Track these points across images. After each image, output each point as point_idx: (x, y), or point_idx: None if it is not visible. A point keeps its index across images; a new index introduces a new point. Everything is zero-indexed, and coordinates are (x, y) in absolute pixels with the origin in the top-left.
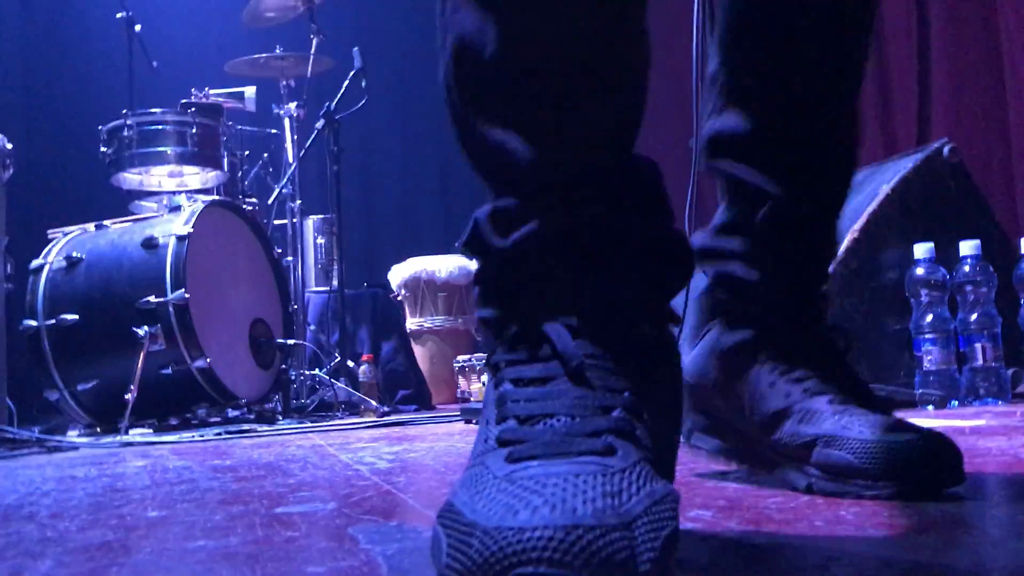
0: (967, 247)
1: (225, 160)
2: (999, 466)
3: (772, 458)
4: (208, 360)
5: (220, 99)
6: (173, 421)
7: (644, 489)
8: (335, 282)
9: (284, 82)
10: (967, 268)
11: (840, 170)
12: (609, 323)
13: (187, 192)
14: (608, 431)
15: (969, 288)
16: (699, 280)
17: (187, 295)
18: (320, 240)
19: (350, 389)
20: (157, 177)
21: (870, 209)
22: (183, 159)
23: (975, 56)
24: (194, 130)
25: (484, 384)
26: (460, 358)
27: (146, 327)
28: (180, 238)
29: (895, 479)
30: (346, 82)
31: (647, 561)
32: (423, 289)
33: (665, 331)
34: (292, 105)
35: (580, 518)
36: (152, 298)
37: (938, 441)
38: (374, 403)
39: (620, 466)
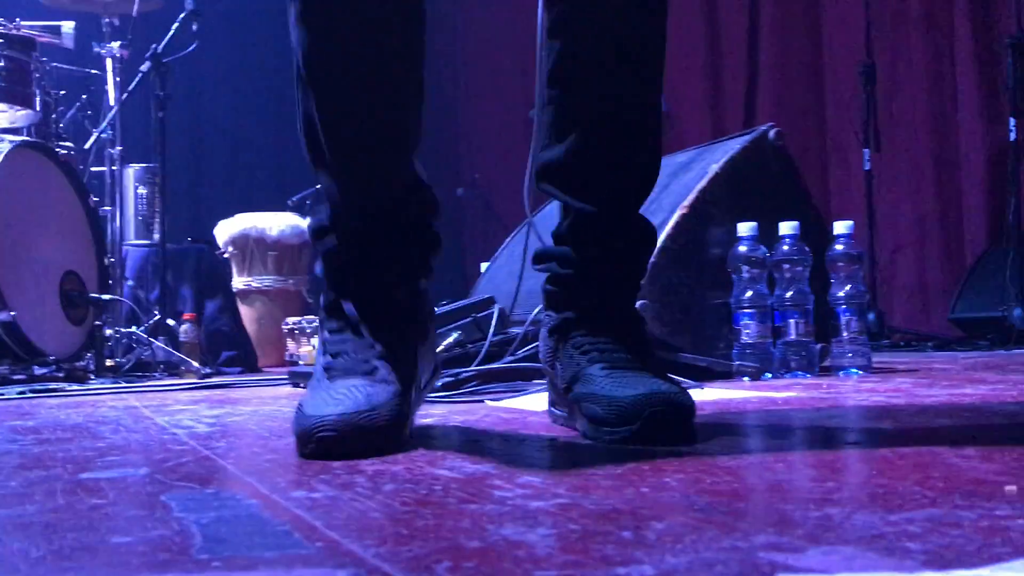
0: (786, 227)
1: (37, 99)
2: (809, 434)
3: (573, 414)
4: (12, 314)
5: (33, 32)
6: None
7: (387, 391)
8: (156, 236)
9: (107, 19)
10: (785, 247)
11: (637, 187)
12: (373, 299)
13: None
14: (374, 357)
15: (786, 266)
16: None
17: None
18: (141, 190)
19: (170, 349)
20: None
21: (699, 187)
22: None
23: (800, 55)
24: (1, 63)
25: (314, 347)
26: (290, 320)
27: None
28: None
29: (628, 427)
30: (176, 24)
31: (383, 425)
32: (252, 247)
33: (418, 297)
34: (115, 45)
35: (348, 407)
36: None
37: (667, 400)
38: (195, 364)
39: (379, 378)
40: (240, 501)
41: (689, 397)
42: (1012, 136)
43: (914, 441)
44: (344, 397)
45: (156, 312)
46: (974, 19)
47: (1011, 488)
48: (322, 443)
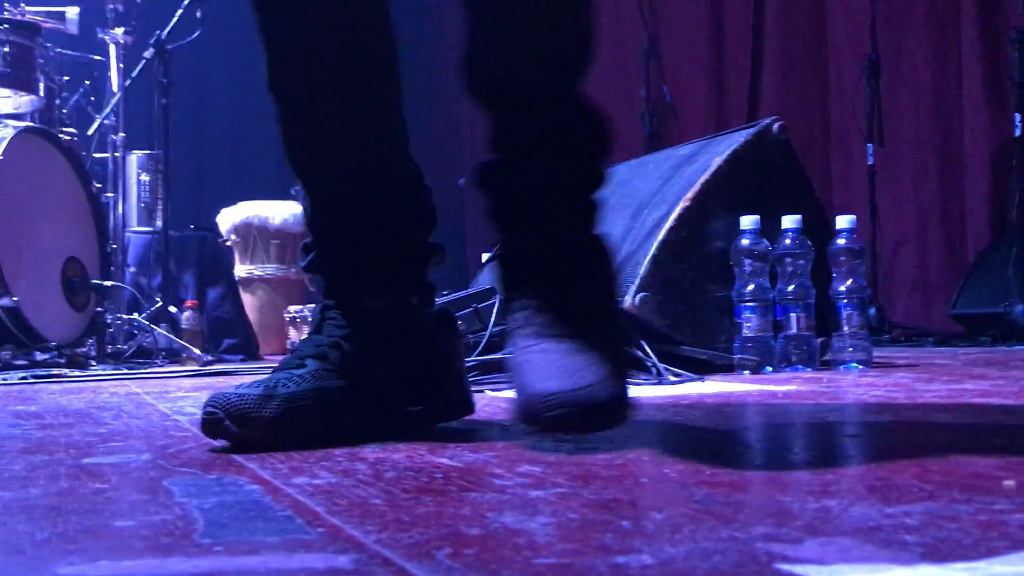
0: (789, 221)
1: (41, 84)
2: (809, 428)
3: None
4: (15, 299)
5: (38, 18)
6: None
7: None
8: (159, 223)
9: (111, 5)
10: (788, 241)
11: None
12: (346, 303)
13: None
14: (324, 346)
15: (788, 260)
16: None
17: None
18: (144, 177)
19: (171, 336)
20: None
21: (702, 180)
22: None
23: (804, 48)
24: (6, 48)
25: None
26: (291, 308)
27: None
28: None
29: (531, 427)
30: (180, 11)
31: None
32: (255, 235)
33: (393, 299)
34: (119, 31)
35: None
36: None
37: (570, 401)
38: (197, 351)
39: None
40: (242, 487)
41: (607, 388)
42: (1016, 131)
43: (913, 435)
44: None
45: (158, 299)
46: (980, 12)
47: (1009, 483)
48: None
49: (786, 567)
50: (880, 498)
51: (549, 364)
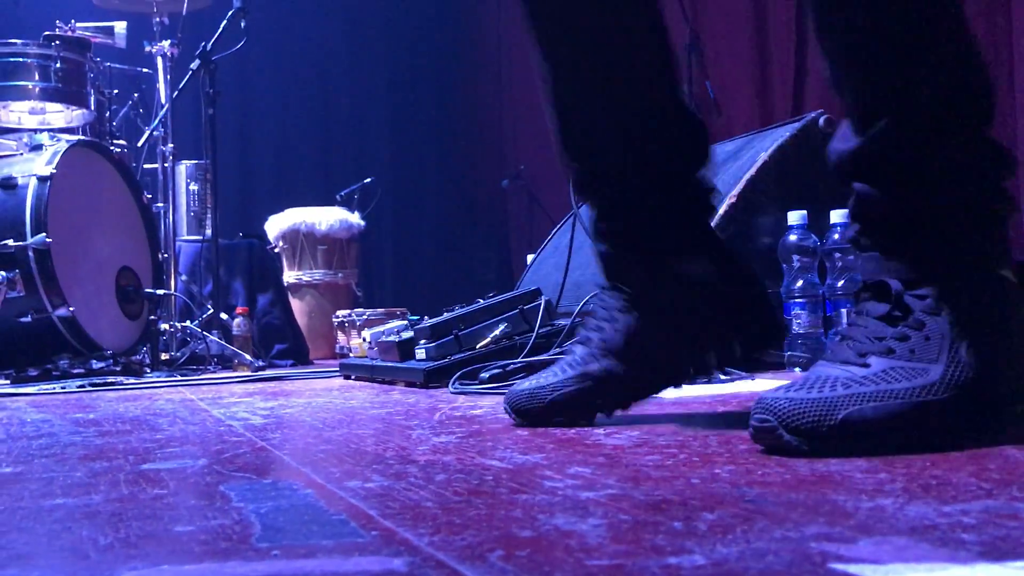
0: (837, 216)
1: (92, 98)
2: None
3: None
4: (71, 308)
5: (87, 33)
6: (32, 372)
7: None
8: (208, 231)
9: (157, 18)
10: (836, 236)
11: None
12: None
13: (50, 131)
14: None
15: (838, 255)
16: None
17: (49, 239)
18: (193, 187)
19: (223, 342)
20: (17, 113)
21: (747, 175)
22: (46, 95)
23: None
24: (58, 64)
25: (364, 340)
26: (339, 313)
27: (3, 272)
28: (42, 179)
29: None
30: (224, 22)
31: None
32: (302, 241)
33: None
34: (165, 43)
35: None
36: (11, 242)
37: (515, 400)
38: (248, 357)
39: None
40: (296, 491)
41: (556, 392)
42: None
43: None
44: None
45: (209, 306)
46: None
47: None
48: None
49: (840, 567)
50: (936, 496)
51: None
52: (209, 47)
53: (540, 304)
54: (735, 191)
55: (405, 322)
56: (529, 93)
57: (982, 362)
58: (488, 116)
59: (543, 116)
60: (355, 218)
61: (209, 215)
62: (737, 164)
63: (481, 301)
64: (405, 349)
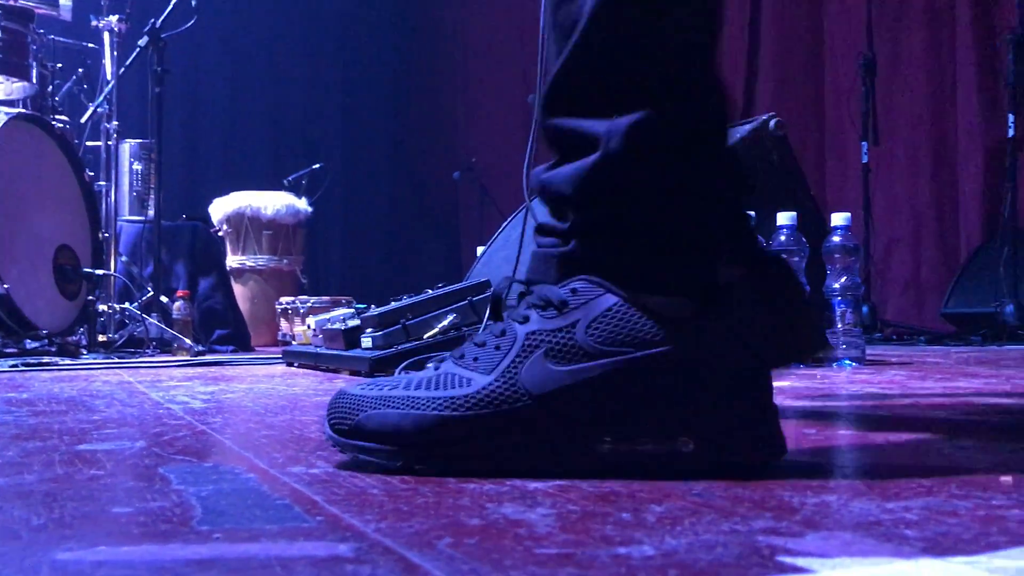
0: (784, 218)
1: (34, 71)
2: (804, 423)
3: None
4: (5, 286)
5: (31, 3)
6: None
7: None
8: (151, 212)
9: None
10: (782, 237)
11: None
12: None
13: None
14: None
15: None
16: None
17: None
18: (137, 166)
19: (162, 326)
20: None
21: None
22: None
23: (800, 46)
24: None
25: (309, 327)
26: (283, 300)
27: None
28: None
29: None
30: None
31: None
32: (247, 226)
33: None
34: (113, 18)
35: None
36: None
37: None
38: (188, 341)
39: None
40: (239, 475)
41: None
42: (1010, 132)
43: (909, 431)
44: None
45: (149, 288)
46: (975, 13)
47: (1007, 479)
48: None
49: (788, 559)
50: (879, 493)
51: None
52: (158, 24)
53: (489, 296)
54: None
55: (352, 310)
56: (485, 85)
57: (546, 380)
58: (443, 107)
59: (498, 109)
60: (302, 204)
61: (152, 195)
62: None
63: (430, 291)
64: (351, 337)
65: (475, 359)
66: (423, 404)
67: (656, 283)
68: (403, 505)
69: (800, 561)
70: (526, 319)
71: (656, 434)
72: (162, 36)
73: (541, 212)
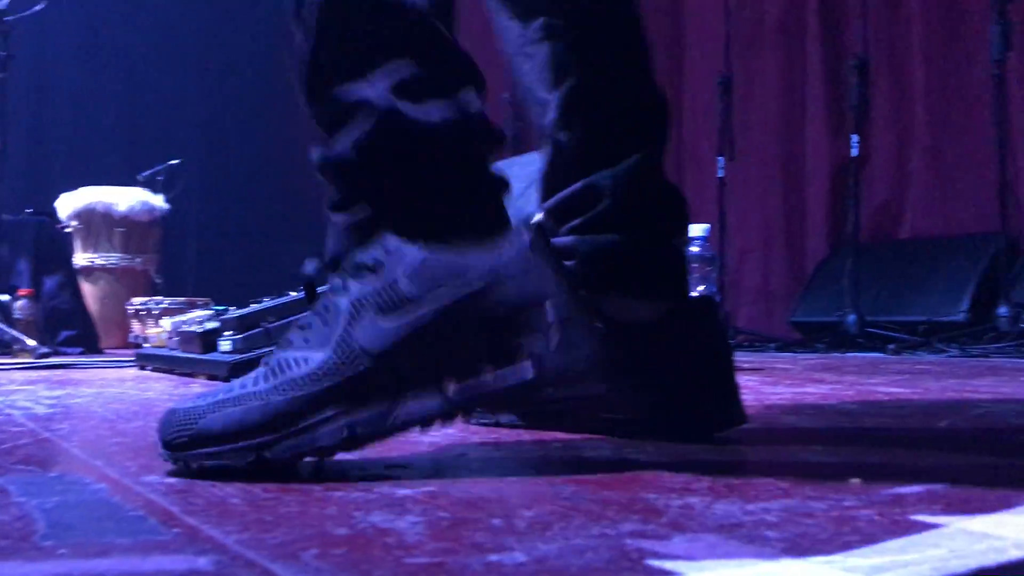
0: (697, 229)
1: None
2: None
3: None
4: None
5: None
6: None
7: None
8: None
9: None
10: (695, 249)
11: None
12: None
13: None
14: None
15: (696, 266)
16: None
17: None
18: None
19: (3, 326)
20: None
21: None
22: None
23: (661, 64)
24: None
25: (163, 329)
26: (135, 300)
27: None
28: None
29: None
30: None
31: None
32: (98, 222)
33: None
34: None
35: None
36: None
37: None
38: (31, 343)
39: None
40: (87, 485)
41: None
42: (854, 152)
43: (764, 434)
44: None
45: None
46: (824, 38)
47: (855, 481)
48: None
49: (656, 563)
50: (739, 495)
51: None
52: (4, 6)
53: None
54: (546, 205)
55: (209, 312)
56: None
57: (382, 336)
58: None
59: None
60: (158, 200)
61: None
62: None
63: (293, 294)
64: (208, 340)
65: (305, 340)
66: (265, 394)
67: (454, 225)
68: (266, 515)
69: (668, 564)
70: (346, 290)
71: (497, 361)
72: (6, 20)
73: (331, 192)
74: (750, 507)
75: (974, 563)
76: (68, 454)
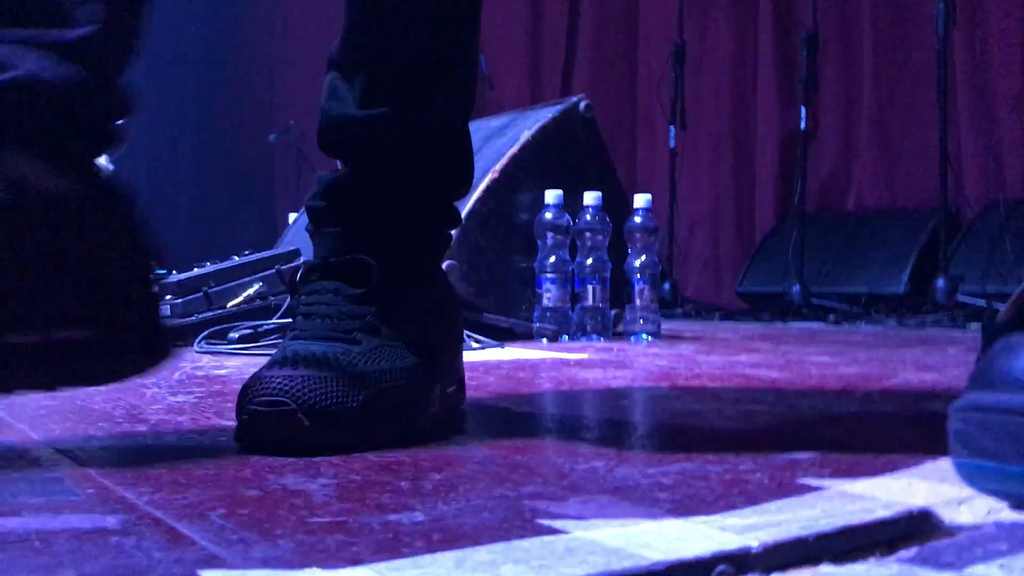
0: (590, 197)
1: None
2: (593, 393)
3: None
4: None
5: None
6: None
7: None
8: None
9: None
10: (588, 217)
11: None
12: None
13: None
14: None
15: (588, 235)
16: None
17: None
18: None
19: None
20: None
21: (510, 153)
22: None
23: (616, 31)
24: None
25: None
26: None
27: None
28: None
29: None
30: None
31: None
32: None
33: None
34: None
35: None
36: None
37: (267, 391)
38: None
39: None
40: (8, 447)
41: (303, 391)
42: (803, 124)
43: (685, 402)
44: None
45: None
46: (775, 11)
47: (760, 446)
48: None
49: (547, 522)
50: (643, 460)
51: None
52: None
53: (299, 265)
54: (498, 167)
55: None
56: (304, 44)
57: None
58: (259, 66)
59: (317, 71)
60: (102, 162)
61: None
62: (502, 140)
63: (236, 258)
64: None
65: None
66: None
67: None
68: (181, 477)
69: (557, 523)
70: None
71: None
72: None
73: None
74: (650, 470)
75: (841, 522)
76: None
